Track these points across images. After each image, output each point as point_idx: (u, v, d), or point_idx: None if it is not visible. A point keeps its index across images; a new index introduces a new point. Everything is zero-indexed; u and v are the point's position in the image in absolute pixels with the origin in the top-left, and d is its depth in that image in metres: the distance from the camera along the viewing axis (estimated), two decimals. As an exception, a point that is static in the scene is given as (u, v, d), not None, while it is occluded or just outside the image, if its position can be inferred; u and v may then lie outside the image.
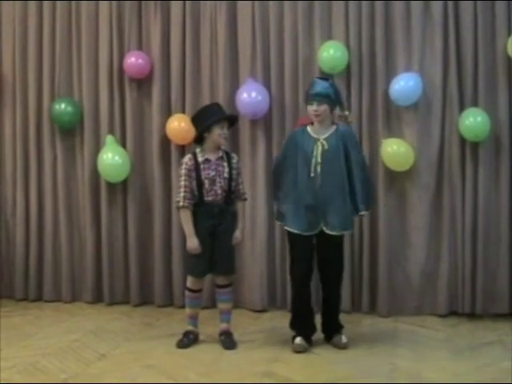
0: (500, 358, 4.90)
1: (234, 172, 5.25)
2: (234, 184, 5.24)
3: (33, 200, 6.77)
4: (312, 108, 5.06)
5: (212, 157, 5.19)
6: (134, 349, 5.23)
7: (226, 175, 5.18)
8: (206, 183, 5.14)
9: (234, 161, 5.29)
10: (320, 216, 5.04)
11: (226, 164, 5.21)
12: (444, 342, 5.35)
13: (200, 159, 5.18)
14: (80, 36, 6.66)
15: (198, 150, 5.24)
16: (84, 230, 6.71)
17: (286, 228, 5.18)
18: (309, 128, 5.16)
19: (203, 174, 5.15)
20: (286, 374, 4.63)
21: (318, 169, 5.03)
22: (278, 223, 5.65)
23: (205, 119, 5.18)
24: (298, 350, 5.06)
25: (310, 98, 5.08)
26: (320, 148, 5.04)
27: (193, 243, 5.15)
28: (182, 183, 5.18)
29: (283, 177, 5.18)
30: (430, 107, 6.08)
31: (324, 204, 5.02)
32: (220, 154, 5.22)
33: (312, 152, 5.05)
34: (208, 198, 5.16)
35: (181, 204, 5.15)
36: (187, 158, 5.25)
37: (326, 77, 5.34)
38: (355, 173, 5.07)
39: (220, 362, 4.92)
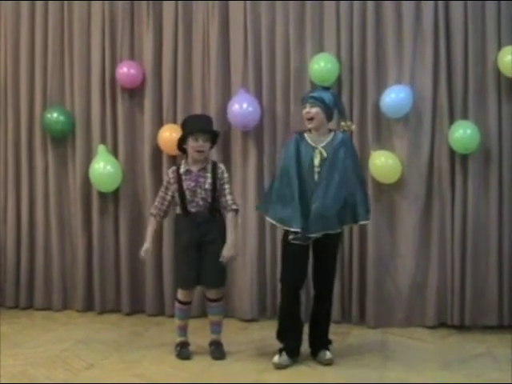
0: (489, 370, 4.91)
1: (218, 182, 5.19)
2: (217, 195, 5.18)
3: (24, 208, 6.78)
4: (304, 110, 5.00)
5: (194, 168, 5.17)
6: (123, 358, 5.23)
7: (207, 186, 5.13)
8: (188, 194, 5.13)
9: (220, 171, 5.22)
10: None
11: (209, 175, 5.16)
12: (433, 354, 5.36)
13: (182, 170, 5.18)
14: (72, 45, 6.68)
15: (183, 161, 5.25)
16: (75, 239, 6.72)
17: (284, 228, 4.97)
18: (306, 135, 5.05)
19: (184, 185, 5.14)
20: (276, 385, 4.64)
21: (317, 178, 4.92)
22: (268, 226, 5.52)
23: (183, 130, 5.24)
24: (278, 368, 4.98)
25: (304, 100, 5.04)
26: (319, 156, 4.94)
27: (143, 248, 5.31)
28: (159, 193, 5.34)
29: (283, 185, 4.97)
30: (421, 119, 6.09)
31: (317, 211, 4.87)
32: (203, 165, 5.19)
33: (311, 161, 4.94)
34: (192, 209, 5.14)
35: (150, 211, 5.38)
36: (171, 170, 5.29)
37: (327, 87, 5.28)
38: (351, 183, 4.91)
39: (209, 373, 4.92)
